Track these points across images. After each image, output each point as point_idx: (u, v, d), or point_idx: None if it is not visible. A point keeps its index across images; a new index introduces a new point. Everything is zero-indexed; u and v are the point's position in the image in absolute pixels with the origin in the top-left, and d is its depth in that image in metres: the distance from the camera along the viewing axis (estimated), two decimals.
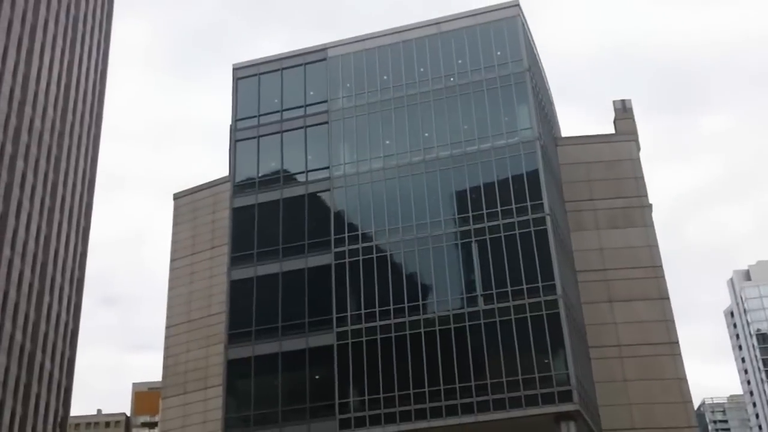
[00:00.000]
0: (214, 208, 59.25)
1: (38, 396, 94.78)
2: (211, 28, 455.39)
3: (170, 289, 58.67)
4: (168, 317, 57.99)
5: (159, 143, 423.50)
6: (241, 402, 49.06)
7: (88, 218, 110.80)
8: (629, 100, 61.30)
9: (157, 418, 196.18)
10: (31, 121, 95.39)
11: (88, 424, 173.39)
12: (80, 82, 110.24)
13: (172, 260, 59.45)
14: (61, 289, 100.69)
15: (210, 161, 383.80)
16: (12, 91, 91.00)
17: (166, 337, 57.57)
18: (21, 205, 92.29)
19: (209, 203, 59.77)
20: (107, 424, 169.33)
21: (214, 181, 60.77)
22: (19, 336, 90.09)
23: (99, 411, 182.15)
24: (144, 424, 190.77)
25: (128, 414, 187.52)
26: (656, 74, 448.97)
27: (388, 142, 54.95)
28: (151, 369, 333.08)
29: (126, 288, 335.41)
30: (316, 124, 55.65)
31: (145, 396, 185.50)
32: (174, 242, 59.94)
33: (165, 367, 57.08)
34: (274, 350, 49.45)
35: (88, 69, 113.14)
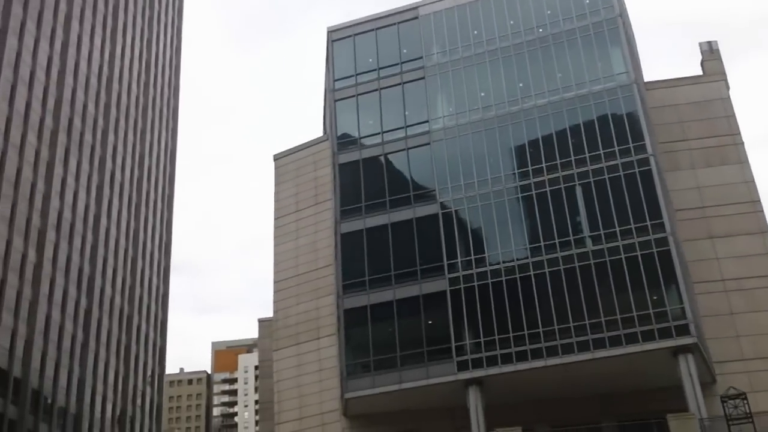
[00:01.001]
0: (315, 167, 59.04)
1: (137, 356, 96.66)
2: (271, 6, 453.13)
3: (276, 245, 58.76)
4: (275, 273, 58.16)
5: (229, 114, 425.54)
6: (359, 349, 49.21)
7: (172, 187, 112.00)
8: (715, 42, 59.31)
9: (235, 375, 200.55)
10: (119, 97, 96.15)
11: (172, 382, 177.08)
12: (158, 58, 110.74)
13: (276, 218, 59.50)
14: (152, 254, 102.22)
15: (280, 125, 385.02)
16: (101, 68, 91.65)
17: (275, 292, 57.79)
18: (113, 177, 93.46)
19: (310, 162, 59.57)
20: (190, 382, 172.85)
21: (314, 140, 60.51)
22: (118, 299, 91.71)
23: (181, 369, 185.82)
24: (225, 381, 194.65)
25: (209, 371, 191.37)
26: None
27: (483, 94, 54.13)
28: (220, 329, 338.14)
29: (186, 254, 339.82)
30: (413, 80, 55.09)
31: (224, 354, 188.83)
32: (277, 201, 59.95)
33: (276, 320, 57.35)
34: (388, 298, 49.39)
35: (164, 45, 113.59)
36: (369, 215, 51.67)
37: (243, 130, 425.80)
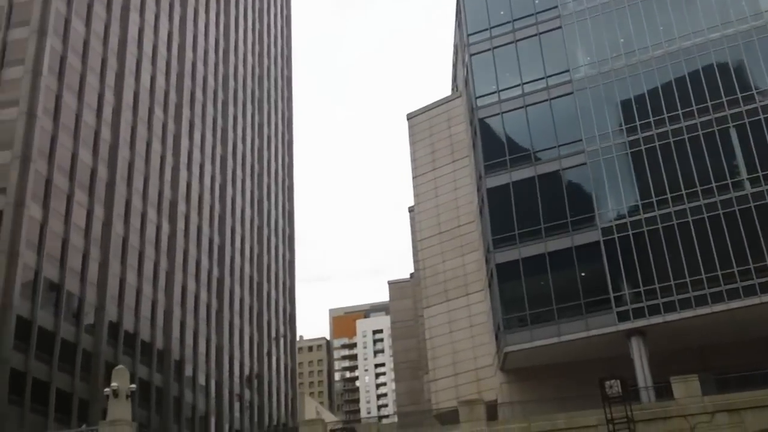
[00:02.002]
0: (450, 124, 59.99)
1: (268, 322, 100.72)
2: None
3: (416, 204, 60.23)
4: (418, 231, 59.69)
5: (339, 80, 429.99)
6: (514, 303, 50.13)
7: (291, 155, 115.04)
8: None
9: (354, 340, 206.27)
10: (235, 68, 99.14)
11: None
12: (270, 27, 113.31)
13: (414, 177, 60.88)
14: (276, 221, 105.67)
15: (391, 87, 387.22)
16: (217, 40, 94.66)
17: (420, 250, 59.37)
18: (236, 147, 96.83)
19: (444, 119, 60.54)
20: (310, 349, 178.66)
21: (446, 98, 61.42)
22: (247, 268, 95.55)
23: (301, 337, 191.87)
24: (344, 346, 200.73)
25: (327, 338, 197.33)
26: None
27: (623, 40, 53.69)
28: (332, 297, 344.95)
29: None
30: (550, 30, 55.01)
31: (341, 320, 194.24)
32: (414, 160, 61.25)
33: (423, 278, 58.98)
34: (539, 251, 50.09)
35: (275, 14, 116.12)
36: (514, 168, 52.30)
37: (352, 95, 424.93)
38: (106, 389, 40.36)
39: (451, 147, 59.54)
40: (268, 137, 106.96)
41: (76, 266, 63.98)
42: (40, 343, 58.70)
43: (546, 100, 53.37)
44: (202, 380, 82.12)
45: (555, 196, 51.23)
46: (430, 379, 58.77)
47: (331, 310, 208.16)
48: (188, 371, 79.34)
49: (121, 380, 40.05)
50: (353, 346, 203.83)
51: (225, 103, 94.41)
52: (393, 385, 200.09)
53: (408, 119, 62.55)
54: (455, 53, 64.21)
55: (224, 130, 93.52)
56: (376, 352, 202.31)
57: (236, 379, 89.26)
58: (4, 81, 62.91)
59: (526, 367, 50.92)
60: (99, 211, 67.88)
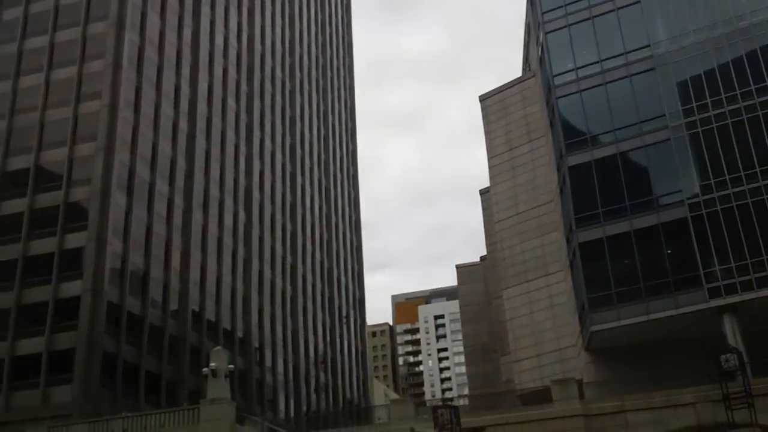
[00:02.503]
0: (524, 104, 58.65)
1: (339, 307, 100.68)
2: None
3: (492, 185, 59.12)
4: (496, 212, 58.62)
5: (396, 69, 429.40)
6: (599, 282, 48.70)
7: (354, 143, 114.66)
8: None
9: (416, 325, 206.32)
10: (300, 58, 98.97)
11: None
12: (332, 17, 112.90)
13: (490, 158, 59.76)
14: (343, 208, 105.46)
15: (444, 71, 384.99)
16: (283, 31, 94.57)
17: (498, 231, 58.31)
18: (303, 136, 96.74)
19: (518, 99, 59.22)
20: (374, 334, 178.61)
21: (519, 78, 60.11)
22: (318, 254, 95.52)
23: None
24: (406, 331, 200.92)
25: (390, 323, 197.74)
26: None
27: (706, 11, 51.72)
28: (390, 284, 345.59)
29: None
30: (628, 5, 53.18)
31: (403, 306, 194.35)
32: (489, 141, 60.13)
33: (501, 259, 57.92)
34: (625, 229, 48.56)
35: (336, 4, 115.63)
36: (595, 146, 50.78)
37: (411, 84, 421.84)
38: (205, 369, 40.44)
39: (526, 127, 58.22)
40: (333, 126, 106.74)
41: (159, 254, 64.54)
42: (129, 328, 59.41)
43: (626, 77, 51.63)
44: (280, 363, 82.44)
45: (639, 173, 49.66)
46: (511, 360, 57.76)
47: (393, 297, 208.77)
48: (267, 355, 79.72)
49: (219, 360, 40.07)
50: (415, 331, 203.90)
51: (292, 93, 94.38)
52: (457, 369, 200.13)
53: (481, 101, 61.40)
54: (527, 32, 62.71)
55: (292, 120, 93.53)
56: (438, 337, 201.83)
57: (311, 362, 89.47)
58: (85, 75, 63.62)
59: (611, 346, 49.52)
60: (179, 200, 68.38)
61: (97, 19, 64.83)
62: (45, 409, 54.59)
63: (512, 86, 60.19)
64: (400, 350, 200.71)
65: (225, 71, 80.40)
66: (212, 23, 79.16)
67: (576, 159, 51.07)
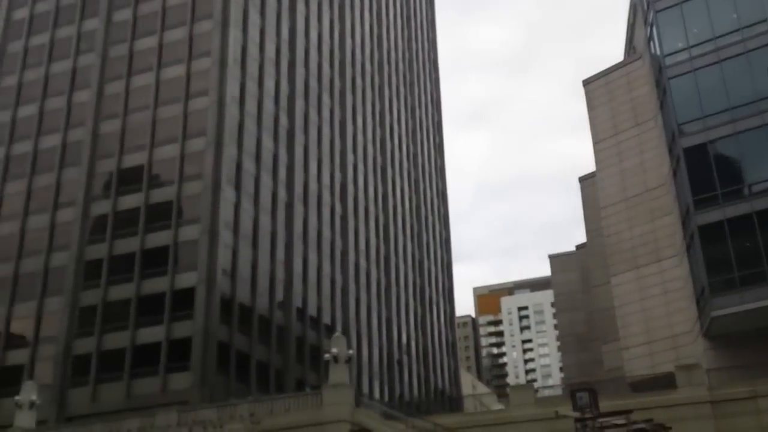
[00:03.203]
0: (630, 87, 56.52)
1: (430, 297, 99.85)
2: None
3: (599, 170, 57.25)
4: (602, 198, 56.73)
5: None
6: (719, 265, 46.30)
7: (441, 135, 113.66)
8: None
9: (499, 317, 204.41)
10: (388, 53, 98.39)
11: None
12: (416, 12, 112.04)
13: (595, 143, 57.88)
14: (431, 201, 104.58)
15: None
16: (371, 27, 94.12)
17: (603, 218, 56.41)
18: (392, 129, 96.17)
19: (623, 83, 57.14)
20: (457, 326, 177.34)
21: (624, 60, 58.04)
22: (409, 245, 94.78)
23: None
24: (489, 323, 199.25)
25: (473, 315, 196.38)
26: None
27: None
28: (472, 275, 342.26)
29: None
30: None
31: (486, 298, 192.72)
32: (593, 126, 58.23)
33: (608, 245, 56.00)
34: (746, 211, 46.01)
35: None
36: (711, 126, 48.36)
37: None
38: (326, 355, 40.15)
39: (633, 111, 56.10)
40: (420, 119, 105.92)
41: (266, 246, 64.86)
42: (240, 318, 59.85)
43: (742, 53, 49.00)
44: (375, 352, 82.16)
45: (758, 153, 47.03)
46: (618, 348, 55.81)
47: (475, 289, 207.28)
48: (363, 343, 79.51)
49: (339, 346, 39.71)
50: (498, 322, 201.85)
51: (381, 87, 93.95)
52: (542, 360, 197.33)
53: (584, 85, 59.51)
54: (632, 13, 60.43)
55: (381, 114, 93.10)
56: (522, 328, 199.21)
57: (404, 351, 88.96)
58: (193, 73, 64.33)
59: (730, 333, 47.16)
60: (282, 193, 68.64)
61: (202, 18, 65.47)
62: (164, 395, 55.43)
63: (617, 69, 58.10)
64: (483, 342, 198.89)
65: (320, 67, 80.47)
66: (307, 20, 79.28)
67: (690, 140, 48.73)
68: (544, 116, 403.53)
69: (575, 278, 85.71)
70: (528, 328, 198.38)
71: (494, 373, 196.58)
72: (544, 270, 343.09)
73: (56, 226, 63.10)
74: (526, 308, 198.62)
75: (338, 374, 39.40)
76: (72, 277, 60.56)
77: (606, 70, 58.91)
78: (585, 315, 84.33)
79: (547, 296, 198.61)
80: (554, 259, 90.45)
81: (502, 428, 39.41)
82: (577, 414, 27.68)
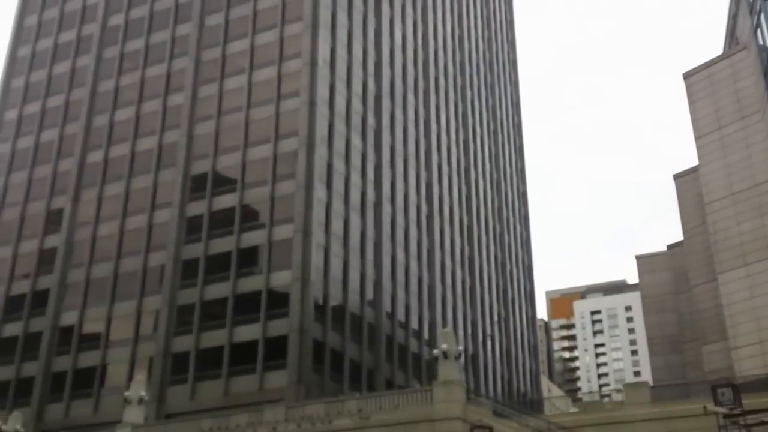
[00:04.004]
0: (735, 79, 54.04)
1: (513, 300, 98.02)
2: None
3: (702, 165, 54.93)
4: (706, 194, 54.37)
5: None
6: None
7: (521, 137, 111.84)
8: None
9: (572, 321, 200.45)
10: (469, 54, 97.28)
11: None
12: (495, 14, 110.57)
13: (697, 138, 55.56)
14: (512, 202, 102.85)
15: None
16: (453, 28, 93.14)
17: (708, 214, 54.00)
18: (474, 131, 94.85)
19: (727, 75, 54.68)
20: None
21: (728, 52, 55.51)
22: (492, 246, 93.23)
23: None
24: (562, 327, 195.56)
25: (545, 319, 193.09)
26: None
27: None
28: (543, 279, 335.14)
29: None
30: None
31: (558, 302, 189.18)
32: (695, 120, 55.93)
33: (714, 242, 53.58)
34: None
35: (499, 0, 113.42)
36: None
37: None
38: (435, 350, 39.15)
39: (737, 103, 53.63)
40: (501, 120, 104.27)
41: (356, 245, 64.30)
42: (333, 317, 59.35)
43: None
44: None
45: None
46: (725, 348, 53.30)
47: (547, 292, 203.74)
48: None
49: (449, 341, 38.66)
50: (571, 326, 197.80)
51: (463, 88, 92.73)
52: (615, 365, 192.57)
53: (685, 78, 57.19)
54: (734, 4, 57.95)
55: (464, 114, 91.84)
56: (595, 333, 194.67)
57: (488, 352, 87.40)
58: (284, 74, 64.27)
59: None
60: (371, 193, 68.04)
61: (292, 21, 65.42)
62: (261, 393, 55.18)
63: (720, 61, 55.67)
64: (555, 346, 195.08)
65: (404, 67, 79.73)
66: (391, 21, 78.66)
67: None
68: (610, 121, 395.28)
69: (666, 279, 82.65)
70: (601, 332, 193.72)
71: (566, 378, 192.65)
72: (616, 273, 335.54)
73: (153, 226, 63.74)
74: (599, 312, 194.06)
75: (448, 370, 38.39)
76: (170, 277, 61.01)
77: (708, 62, 56.55)
78: (677, 316, 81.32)
79: (620, 300, 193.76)
80: (642, 259, 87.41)
81: (617, 427, 37.82)
82: (725, 410, 26.02)
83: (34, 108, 73.39)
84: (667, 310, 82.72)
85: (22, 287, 67.80)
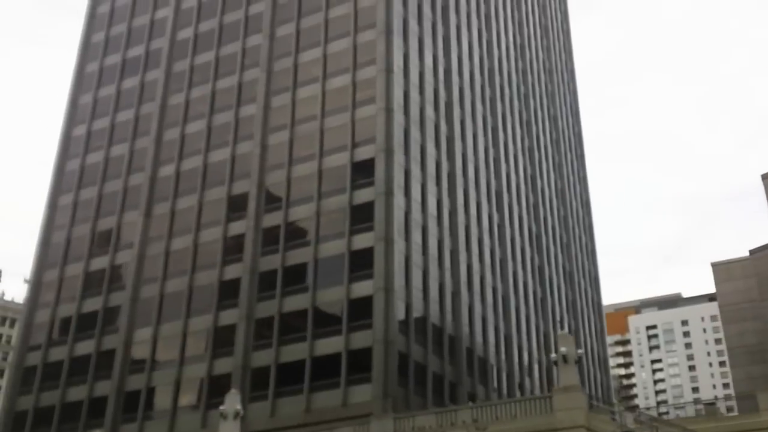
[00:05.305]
0: None
1: (582, 311, 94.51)
2: None
3: None
4: None
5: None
6: None
7: (581, 146, 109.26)
8: None
9: (627, 336, 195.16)
10: (530, 63, 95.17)
11: None
12: (553, 23, 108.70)
13: None
14: (577, 211, 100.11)
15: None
16: (514, 37, 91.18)
17: None
18: (539, 139, 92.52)
19: None
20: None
21: None
22: (560, 257, 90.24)
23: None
24: (617, 342, 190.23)
25: None
26: None
27: None
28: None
29: None
30: None
31: (613, 317, 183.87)
32: None
33: None
34: None
35: (555, 9, 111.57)
36: None
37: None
38: (553, 355, 36.54)
39: None
40: (562, 129, 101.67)
41: (434, 252, 62.05)
42: (416, 328, 57.02)
43: None
44: (535, 367, 77.63)
45: None
46: None
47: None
48: (524, 356, 75.24)
49: (568, 345, 36.03)
50: (626, 342, 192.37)
51: (526, 97, 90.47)
52: (672, 381, 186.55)
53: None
54: None
55: (528, 123, 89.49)
56: (651, 348, 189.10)
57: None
58: (359, 81, 62.64)
59: None
60: (445, 201, 65.87)
61: (365, 28, 63.88)
62: (345, 409, 52.88)
63: None
64: (612, 362, 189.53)
65: (471, 75, 77.73)
66: (458, 29, 76.83)
67: None
68: (653, 132, 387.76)
69: (746, 286, 79.27)
70: (657, 347, 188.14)
71: (623, 395, 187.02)
72: (668, 288, 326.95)
73: (228, 238, 62.16)
74: (654, 327, 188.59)
75: (568, 376, 35.77)
76: (247, 289, 59.23)
77: None
78: (760, 324, 77.71)
79: (677, 314, 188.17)
80: (718, 267, 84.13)
81: None
82: None
83: (103, 123, 72.66)
84: (747, 319, 79.24)
85: (94, 304, 66.53)
